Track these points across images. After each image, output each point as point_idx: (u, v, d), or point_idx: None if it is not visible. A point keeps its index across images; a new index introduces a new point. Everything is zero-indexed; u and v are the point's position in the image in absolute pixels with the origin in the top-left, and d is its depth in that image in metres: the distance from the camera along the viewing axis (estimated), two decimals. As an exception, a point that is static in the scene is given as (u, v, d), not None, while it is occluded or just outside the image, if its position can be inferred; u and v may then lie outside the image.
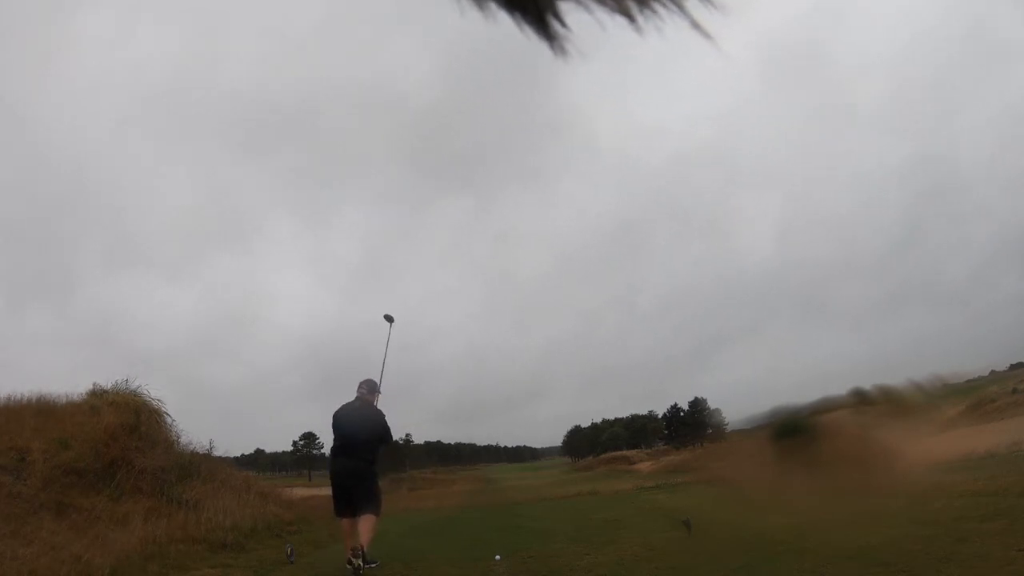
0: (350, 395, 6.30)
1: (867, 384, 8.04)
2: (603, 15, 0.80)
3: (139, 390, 10.66)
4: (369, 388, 6.28)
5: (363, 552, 5.55)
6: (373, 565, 5.88)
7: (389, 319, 6.93)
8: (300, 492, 14.42)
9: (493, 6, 0.82)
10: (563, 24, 0.83)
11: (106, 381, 10.69)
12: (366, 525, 5.76)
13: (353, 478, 5.94)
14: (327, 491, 6.23)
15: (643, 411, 38.22)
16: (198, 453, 10.92)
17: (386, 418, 6.21)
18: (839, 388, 8.11)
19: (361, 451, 5.98)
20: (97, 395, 10.27)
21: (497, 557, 5.81)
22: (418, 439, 37.93)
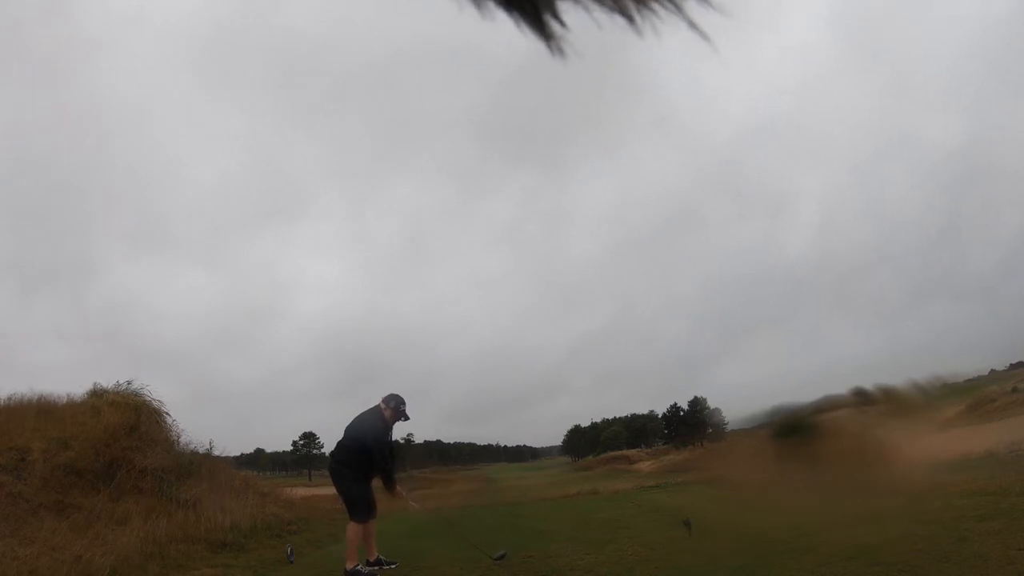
0: (363, 397, 6.27)
1: (880, 382, 8.05)
2: (601, 15, 0.80)
3: (140, 390, 10.69)
4: (386, 402, 6.02)
5: (348, 571, 5.63)
6: (392, 566, 5.96)
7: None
8: (300, 492, 14.44)
9: (491, 5, 0.82)
10: (562, 23, 0.82)
11: (117, 377, 10.76)
12: (347, 534, 5.83)
13: (331, 478, 6.02)
14: (327, 491, 6.23)
15: (657, 409, 38.12)
16: (198, 453, 10.94)
17: (379, 430, 5.91)
18: (857, 385, 8.10)
19: (338, 454, 5.98)
20: (97, 395, 10.27)
21: (500, 552, 5.81)
22: (418, 439, 37.92)
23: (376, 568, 5.90)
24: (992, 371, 17.62)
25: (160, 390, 11.02)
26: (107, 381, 10.68)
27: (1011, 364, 18.20)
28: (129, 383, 10.67)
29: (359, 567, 5.72)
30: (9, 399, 9.65)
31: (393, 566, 5.99)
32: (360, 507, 5.77)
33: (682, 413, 35.30)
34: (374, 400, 6.12)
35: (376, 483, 5.97)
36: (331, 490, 6.31)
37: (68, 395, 10.16)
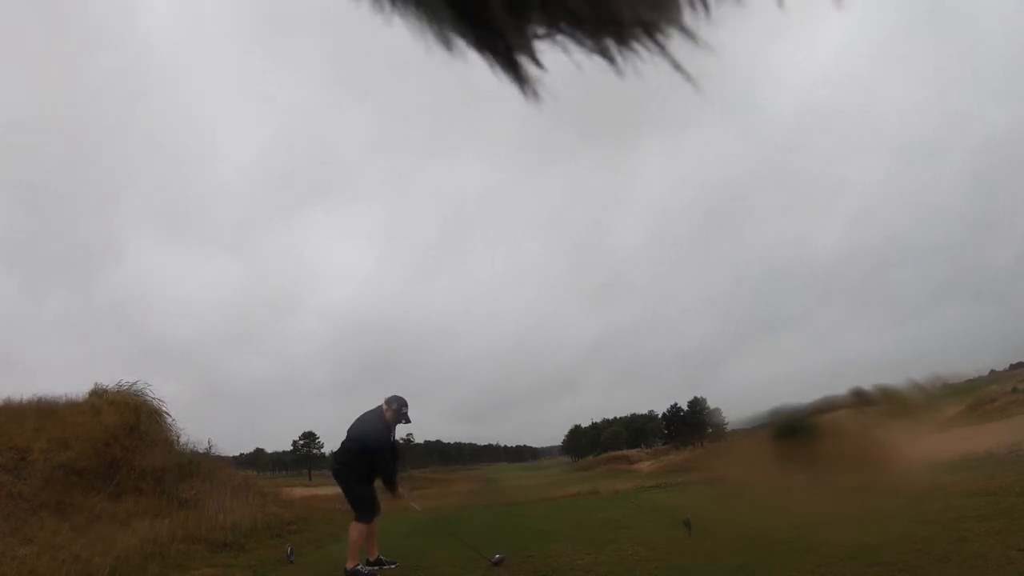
0: (374, 395, 6.27)
1: (881, 382, 8.06)
2: (580, 56, 0.78)
3: (140, 390, 10.70)
4: (388, 403, 6.00)
5: (348, 571, 5.64)
6: (392, 566, 5.98)
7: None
8: (300, 492, 14.45)
9: (462, 44, 0.79)
10: (538, 65, 0.80)
11: (126, 374, 10.81)
12: (350, 533, 5.84)
13: (334, 479, 6.06)
14: (327, 491, 6.26)
15: (657, 409, 38.00)
16: (198, 453, 10.95)
17: (379, 431, 5.88)
18: (859, 385, 8.09)
19: (340, 455, 6.02)
20: (97, 395, 10.28)
21: (497, 556, 5.82)
22: (419, 439, 37.93)
23: (376, 568, 5.90)
24: (992, 371, 17.64)
25: (167, 388, 11.13)
26: (116, 378, 10.79)
27: (1011, 364, 18.23)
28: (130, 383, 10.70)
29: (359, 567, 5.72)
30: (9, 399, 9.68)
31: (393, 566, 6.00)
32: (364, 507, 5.79)
33: (682, 413, 35.32)
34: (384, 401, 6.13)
35: (378, 483, 5.98)
36: (331, 490, 6.35)
37: (68, 395, 10.20)
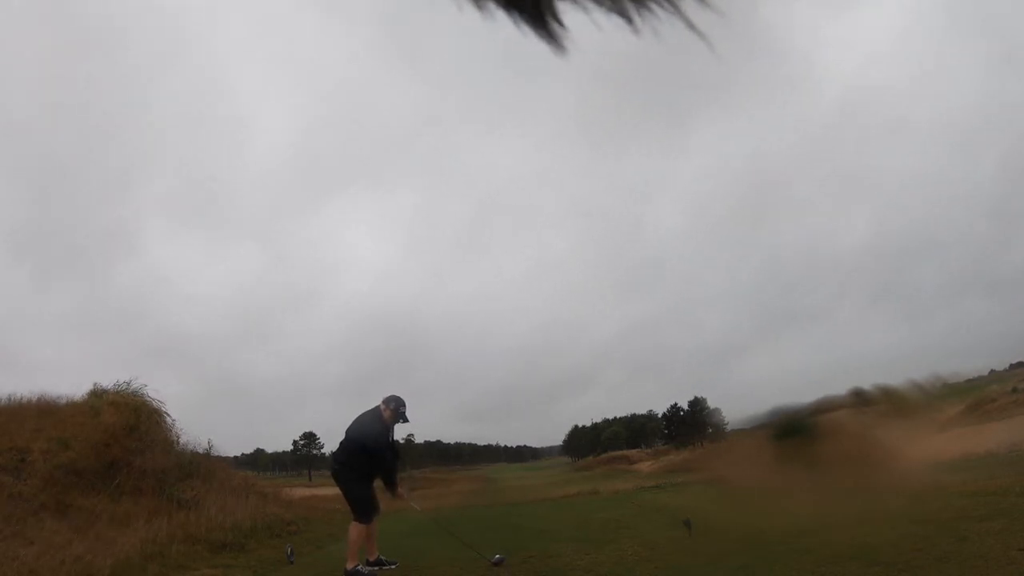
0: (375, 395, 6.22)
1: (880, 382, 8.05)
2: (600, 15, 0.81)
3: (140, 390, 10.70)
4: (386, 403, 5.99)
5: (348, 571, 5.64)
6: (392, 566, 5.99)
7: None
8: (300, 492, 14.46)
9: (492, 5, 0.83)
10: (560, 24, 0.84)
11: (130, 373, 10.77)
12: (349, 534, 5.84)
13: (333, 479, 6.06)
14: (327, 491, 6.26)
15: (657, 409, 37.82)
16: (198, 453, 10.96)
17: (378, 431, 5.87)
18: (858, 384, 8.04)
19: (339, 455, 6.04)
20: (97, 395, 10.29)
21: (497, 556, 5.82)
22: (419, 439, 37.87)
23: (376, 568, 5.90)
24: (992, 371, 17.63)
25: (169, 387, 11.02)
26: (119, 376, 10.82)
27: (1011, 364, 18.21)
28: (128, 383, 10.69)
29: (359, 567, 5.72)
30: (9, 399, 9.68)
31: (393, 566, 6.00)
32: (363, 507, 5.79)
33: (682, 413, 35.31)
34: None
35: (378, 483, 5.98)
36: (331, 490, 6.36)
37: (68, 396, 10.21)
